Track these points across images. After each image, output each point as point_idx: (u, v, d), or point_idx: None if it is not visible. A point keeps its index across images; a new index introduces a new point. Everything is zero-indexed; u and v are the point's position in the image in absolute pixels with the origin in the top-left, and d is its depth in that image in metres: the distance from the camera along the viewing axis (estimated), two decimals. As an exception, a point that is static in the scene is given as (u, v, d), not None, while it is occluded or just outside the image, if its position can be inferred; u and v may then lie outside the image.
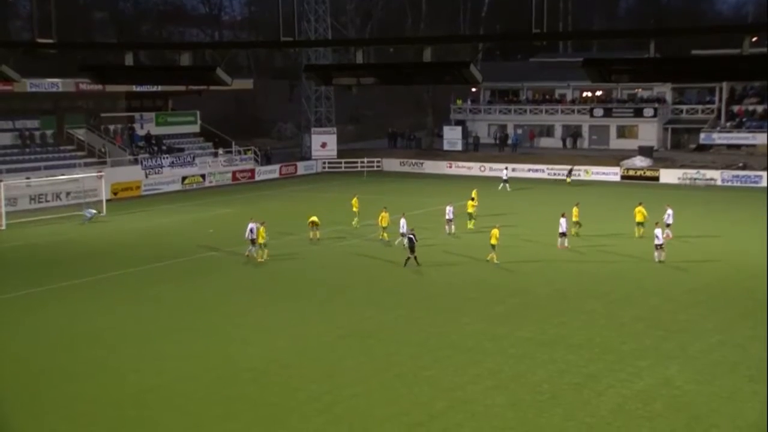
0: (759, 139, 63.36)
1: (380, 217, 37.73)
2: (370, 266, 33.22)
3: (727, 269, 31.41)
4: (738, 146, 64.04)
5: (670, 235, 35.97)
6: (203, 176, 61.29)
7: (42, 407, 18.86)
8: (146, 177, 57.68)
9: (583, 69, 11.35)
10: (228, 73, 13.87)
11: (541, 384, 19.62)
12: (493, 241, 32.66)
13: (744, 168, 58.54)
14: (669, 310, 26.07)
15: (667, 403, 18.39)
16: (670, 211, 37.32)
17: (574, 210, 38.03)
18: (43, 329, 24.93)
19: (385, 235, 37.08)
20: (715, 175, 57.82)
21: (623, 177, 60.88)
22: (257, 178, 64.57)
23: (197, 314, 26.45)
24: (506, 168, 59.38)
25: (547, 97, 77.86)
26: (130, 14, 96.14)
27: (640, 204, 37.79)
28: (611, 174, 61.44)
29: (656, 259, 32.00)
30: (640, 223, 37.05)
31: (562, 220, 35.23)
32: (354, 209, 41.76)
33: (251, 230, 33.94)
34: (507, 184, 55.51)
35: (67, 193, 50.53)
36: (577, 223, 37.69)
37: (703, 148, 65.59)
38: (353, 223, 41.26)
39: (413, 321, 25.28)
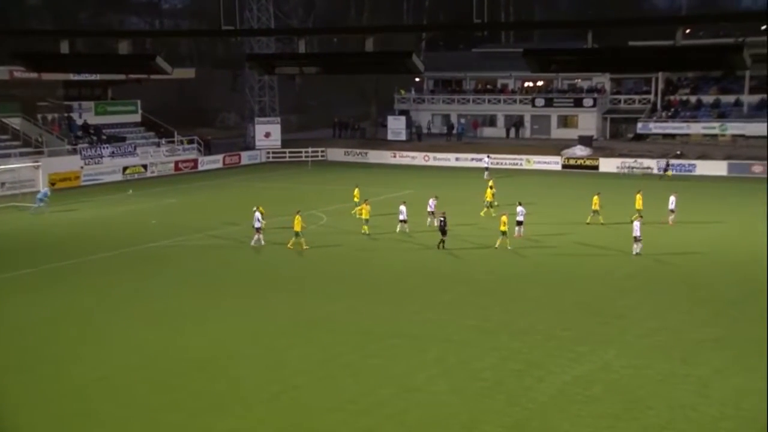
0: (693, 128, 64.95)
1: (362, 210, 37.28)
2: (317, 256, 33.13)
3: (661, 256, 32.10)
4: (673, 135, 65.52)
5: (671, 222, 37.45)
6: (145, 166, 60.27)
7: (-21, 403, 18.38)
8: (85, 167, 56.43)
9: (524, 59, 11.46)
10: (169, 62, 13.62)
11: (485, 371, 19.85)
12: (503, 228, 33.12)
13: (680, 156, 59.93)
14: (608, 296, 26.60)
15: (605, 386, 18.78)
16: (673, 198, 38.26)
17: (595, 199, 38.36)
18: (-20, 324, 24.28)
19: (366, 228, 36.63)
20: (651, 164, 59.10)
21: (564, 166, 61.79)
22: (200, 168, 63.79)
23: (141, 305, 26.06)
24: (487, 156, 59.90)
25: (490, 87, 78.50)
26: (67, 1, 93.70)
27: (639, 192, 38.49)
28: (552, 163, 62.31)
29: (635, 252, 31.90)
30: (595, 211, 38.01)
31: (519, 209, 35.57)
32: (355, 199, 41.25)
33: (257, 219, 34.00)
34: (488, 173, 56.03)
35: (2, 184, 49.20)
36: (596, 212, 38.12)
37: (640, 137, 66.95)
38: (353, 212, 40.74)
39: (360, 310, 25.31)
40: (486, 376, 19.53)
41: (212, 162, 65.28)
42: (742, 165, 56.75)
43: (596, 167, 60.67)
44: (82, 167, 56.37)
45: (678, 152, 60.94)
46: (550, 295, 26.79)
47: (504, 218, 33.63)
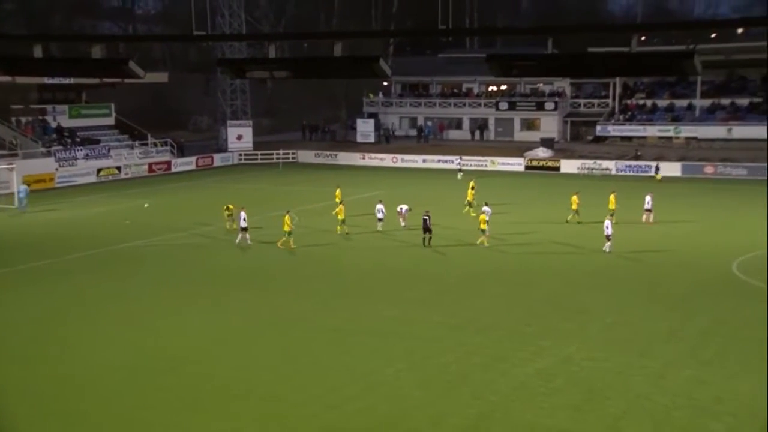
0: (649, 131, 65.78)
1: (338, 210, 37.04)
2: (287, 255, 33.00)
3: (628, 254, 32.35)
4: (630, 138, 66.28)
5: (651, 220, 37.79)
6: (119, 168, 59.67)
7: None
8: (59, 169, 55.73)
9: (487, 64, 11.54)
10: (142, 66, 13.53)
11: (451, 365, 19.91)
12: (483, 226, 33.45)
13: (638, 158, 60.63)
14: (569, 292, 26.80)
15: (566, 379, 18.93)
16: (648, 198, 38.57)
17: (574, 198, 38.62)
18: (-46, 324, 23.84)
19: (341, 228, 36.29)
20: (610, 165, 59.71)
21: (527, 167, 62.21)
22: (174, 169, 63.27)
23: (115, 304, 25.76)
24: (460, 158, 60.07)
25: (456, 91, 78.85)
26: (40, 5, 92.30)
27: (613, 192, 38.67)
28: (516, 164, 62.71)
29: (606, 250, 32.01)
30: (575, 211, 38.35)
31: (486, 208, 35.72)
32: (337, 200, 41.09)
33: (243, 218, 33.92)
34: (461, 173, 56.23)
35: (-24, 186, 48.40)
36: (576, 211, 38.33)
37: (599, 139, 67.64)
38: (335, 212, 40.49)
39: (329, 308, 25.25)
40: (451, 370, 19.59)
41: (185, 164, 64.79)
42: (695, 166, 57.57)
43: (558, 168, 61.18)
44: (56, 169, 55.71)
45: (638, 153, 61.62)
46: (515, 291, 26.94)
47: (483, 217, 34.00)
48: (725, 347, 21.07)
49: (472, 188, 42.66)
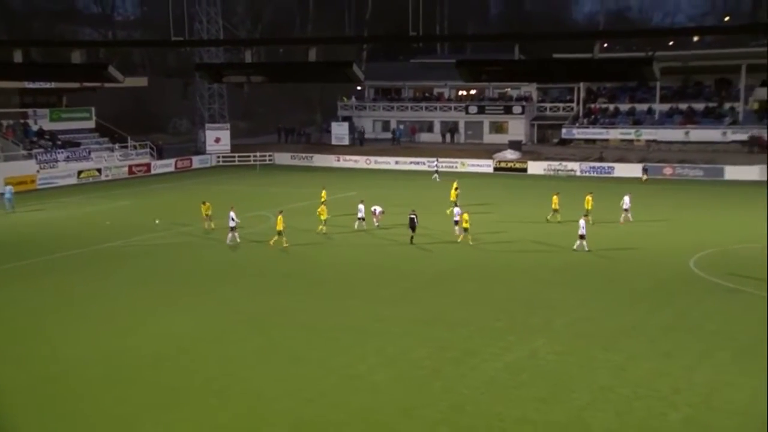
0: (611, 134, 66.36)
1: (320, 210, 36.90)
2: (265, 254, 32.85)
3: (599, 251, 32.56)
4: (594, 140, 66.83)
5: (630, 218, 38.17)
6: (99, 170, 59.03)
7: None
8: (40, 171, 55.01)
9: (457, 69, 11.54)
10: (122, 71, 13.35)
11: (422, 360, 19.92)
12: (465, 225, 33.57)
13: (601, 160, 61.14)
14: (535, 289, 26.93)
15: (533, 373, 19.03)
16: (626, 198, 38.85)
17: (555, 198, 38.81)
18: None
19: (323, 227, 36.11)
20: (575, 167, 60.18)
21: (496, 169, 62.47)
22: (153, 171, 62.71)
23: (96, 303, 25.46)
24: (437, 160, 59.99)
25: (427, 95, 78.98)
26: (20, 11, 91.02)
27: (590, 193, 38.83)
28: (485, 166, 62.96)
29: (582, 249, 32.04)
30: (555, 210, 38.49)
31: (456, 209, 35.79)
32: (322, 200, 40.81)
33: (232, 218, 33.81)
34: (437, 175, 56.26)
35: (-41, 188, 47.63)
36: (556, 211, 38.47)
37: (564, 142, 68.11)
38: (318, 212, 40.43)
39: (305, 305, 25.16)
40: (424, 364, 19.61)
41: (165, 166, 64.25)
42: (655, 167, 58.18)
43: (525, 170, 61.50)
44: (37, 171, 55.02)
45: (601, 154, 62.07)
46: (484, 288, 27.02)
47: (465, 216, 34.11)
48: (684, 340, 21.31)
49: (456, 189, 42.84)
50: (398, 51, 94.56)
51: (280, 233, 33.38)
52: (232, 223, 33.99)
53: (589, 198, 38.37)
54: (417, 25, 11.34)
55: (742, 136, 61.07)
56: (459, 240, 33.77)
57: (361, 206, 37.24)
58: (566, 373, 18.91)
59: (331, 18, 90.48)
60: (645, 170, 56.17)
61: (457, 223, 35.32)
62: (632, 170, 58.20)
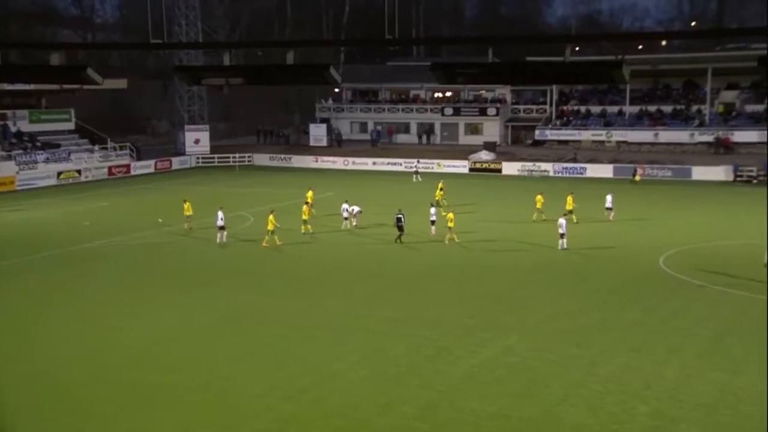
0: (583, 135, 66.84)
1: (303, 210, 36.75)
2: (245, 253, 32.69)
3: (555, 250, 32.81)
4: (566, 142, 67.26)
5: (611, 218, 38.58)
6: (79, 171, 58.40)
7: None
8: (20, 172, 54.31)
9: (431, 72, 11.56)
10: (102, 72, 13.21)
11: (399, 357, 19.93)
12: (450, 224, 33.65)
13: (575, 161, 61.50)
14: (509, 287, 27.06)
15: (508, 369, 19.11)
16: (609, 197, 39.17)
17: (539, 197, 39.01)
18: None
19: (308, 227, 35.87)
20: (548, 167, 60.53)
21: (471, 169, 62.64)
22: (133, 172, 62.20)
23: (76, 303, 25.20)
24: (417, 161, 60.33)
25: (403, 97, 79.03)
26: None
27: (570, 193, 38.96)
28: (460, 167, 63.11)
29: (560, 247, 32.27)
30: (539, 210, 38.71)
31: (432, 209, 35.82)
32: (309, 201, 40.55)
33: (220, 218, 33.67)
34: (418, 176, 56.35)
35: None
36: (540, 210, 38.65)
37: (538, 143, 68.48)
38: (312, 213, 40.20)
39: (285, 304, 25.08)
40: (400, 362, 19.62)
41: (144, 167, 63.73)
42: (625, 168, 58.68)
43: (500, 170, 61.76)
44: (17, 172, 54.34)
45: (574, 155, 62.43)
46: (460, 287, 27.09)
47: (450, 215, 34.17)
48: (653, 335, 21.52)
49: (441, 189, 42.93)
50: (375, 53, 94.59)
51: (271, 232, 33.28)
52: (220, 223, 33.86)
53: (569, 198, 38.63)
54: (393, 28, 11.34)
55: (709, 138, 61.82)
56: (447, 240, 33.80)
57: (345, 206, 37.29)
58: (540, 369, 19.02)
59: (309, 21, 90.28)
60: (635, 171, 55.98)
61: (433, 222, 35.38)
62: (603, 171, 58.67)
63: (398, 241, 33.78)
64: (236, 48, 15.69)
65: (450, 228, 33.88)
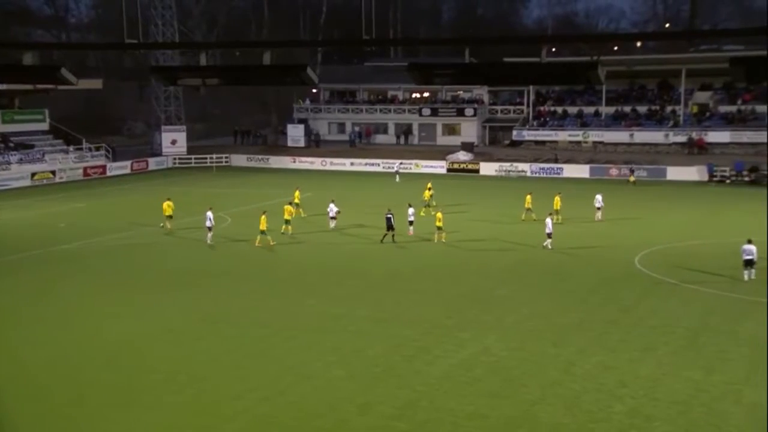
0: (560, 136, 67.28)
1: (283, 210, 36.46)
2: (223, 255, 32.51)
3: (530, 250, 32.98)
4: (543, 142, 67.66)
5: (600, 217, 38.86)
6: (53, 172, 57.74)
7: None
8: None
9: (408, 72, 11.58)
10: (76, 73, 13.09)
11: (377, 358, 19.93)
12: (438, 224, 33.91)
13: (555, 161, 61.70)
14: (487, 287, 27.14)
15: (485, 368, 19.18)
16: (599, 197, 39.42)
17: (528, 197, 39.09)
18: None
19: (288, 228, 35.66)
20: (525, 167, 60.82)
21: (449, 170, 62.78)
22: (109, 173, 61.64)
23: (52, 304, 24.92)
24: (400, 163, 60.83)
25: (381, 97, 79.04)
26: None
27: (558, 194, 39.19)
28: (438, 167, 63.21)
29: (547, 246, 32.40)
30: (528, 209, 38.82)
31: (410, 210, 35.88)
32: (296, 201, 40.41)
33: (209, 219, 33.62)
34: (397, 176, 56.64)
35: None
36: (529, 210, 38.69)
37: (515, 143, 68.79)
38: (301, 214, 40.04)
39: (262, 304, 24.98)
40: (379, 362, 19.62)
41: (121, 168, 63.18)
42: (601, 168, 59.16)
43: (477, 170, 61.96)
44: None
45: (555, 156, 62.66)
46: (437, 287, 27.13)
47: (439, 215, 34.42)
48: (629, 334, 21.70)
49: (429, 189, 43.01)
50: (352, 54, 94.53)
51: (263, 233, 33.26)
52: (209, 223, 33.82)
53: (557, 198, 38.80)
54: (370, 29, 11.34)
55: (683, 138, 62.51)
56: (436, 239, 34.03)
57: (332, 206, 37.44)
58: (517, 369, 19.10)
59: (286, 22, 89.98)
60: (632, 171, 55.97)
61: (411, 222, 35.44)
62: (580, 171, 59.07)
63: (391, 240, 33.86)
64: (213, 48, 15.63)
65: (439, 227, 34.06)
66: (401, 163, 60.94)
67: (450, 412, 16.59)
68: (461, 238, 35.23)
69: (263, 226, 33.16)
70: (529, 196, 39.42)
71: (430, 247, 33.50)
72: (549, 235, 32.58)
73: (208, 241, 33.88)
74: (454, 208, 43.48)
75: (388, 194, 47.56)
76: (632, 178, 54.88)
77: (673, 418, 16.31)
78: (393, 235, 34.03)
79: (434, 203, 41.90)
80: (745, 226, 34.02)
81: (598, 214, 39.41)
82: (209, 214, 33.97)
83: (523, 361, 19.67)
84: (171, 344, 21.19)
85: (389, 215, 34.26)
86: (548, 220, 33.06)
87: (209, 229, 33.89)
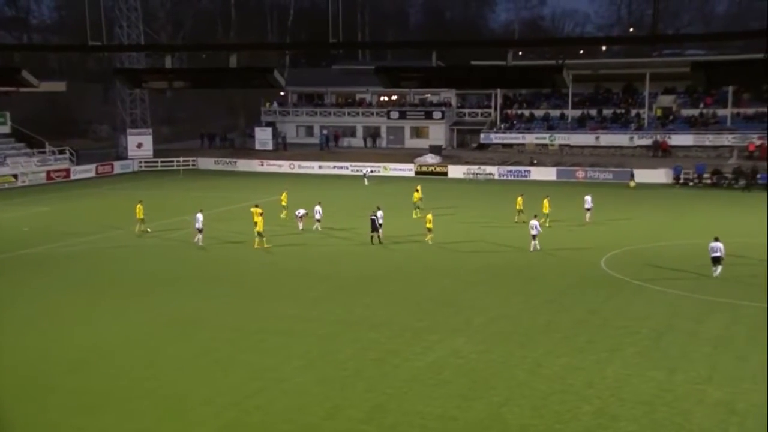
0: (527, 139, 67.83)
1: (255, 210, 36.43)
2: (193, 257, 32.22)
3: (501, 252, 33.23)
4: (511, 145, 68.15)
5: (589, 219, 39.18)
6: (15, 176, 56.73)
7: None
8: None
9: (376, 75, 11.57)
10: (38, 75, 12.86)
11: (347, 361, 19.90)
12: (429, 225, 34.20)
13: (532, 164, 61.81)
14: (457, 289, 27.27)
15: (454, 370, 19.25)
16: (588, 198, 39.82)
17: (519, 199, 39.33)
18: None
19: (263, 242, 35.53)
20: (493, 170, 61.19)
21: (417, 173, 62.93)
22: (73, 177, 60.77)
23: (17, 309, 24.50)
24: (371, 169, 61.02)
25: (349, 100, 79.02)
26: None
27: (546, 197, 39.36)
28: (406, 170, 63.34)
29: (532, 249, 32.61)
30: (520, 211, 39.11)
31: (379, 213, 35.87)
32: (283, 203, 40.30)
33: (199, 220, 33.67)
34: (366, 179, 56.84)
35: None
36: (521, 211, 38.88)
37: (483, 146, 69.21)
38: (282, 215, 39.85)
39: (232, 308, 24.81)
40: (347, 365, 19.59)
41: (85, 171, 62.30)
42: (568, 171, 59.77)
43: (445, 173, 62.21)
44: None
45: (532, 160, 62.78)
46: (407, 289, 27.17)
47: (429, 216, 34.70)
48: (595, 335, 21.94)
49: (417, 191, 43.12)
50: (320, 57, 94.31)
51: (259, 234, 33.15)
52: (199, 225, 33.77)
53: (545, 202, 39.02)
54: (337, 32, 11.32)
55: (647, 141, 63.43)
56: (428, 240, 34.34)
57: (317, 208, 37.44)
58: (486, 371, 19.20)
59: (254, 24, 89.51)
60: (632, 175, 55.90)
61: (380, 225, 35.45)
62: (547, 173, 59.58)
63: (378, 241, 34.06)
64: (179, 51, 15.50)
65: (429, 229, 34.37)
66: (371, 171, 60.75)
67: (419, 414, 16.62)
68: (441, 240, 35.27)
69: (260, 227, 33.10)
70: (520, 198, 39.71)
71: (402, 249, 33.55)
72: (533, 237, 32.86)
73: (199, 243, 33.80)
74: (424, 211, 43.60)
75: (358, 198, 47.55)
76: (632, 183, 54.76)
77: (638, 417, 16.52)
78: (379, 236, 34.16)
79: (422, 205, 41.97)
80: (709, 227, 34.69)
81: (587, 216, 39.79)
82: (199, 216, 33.90)
83: (491, 363, 19.78)
84: (139, 348, 20.94)
85: (373, 216, 34.34)
86: (534, 222, 33.35)
87: (199, 230, 33.83)
